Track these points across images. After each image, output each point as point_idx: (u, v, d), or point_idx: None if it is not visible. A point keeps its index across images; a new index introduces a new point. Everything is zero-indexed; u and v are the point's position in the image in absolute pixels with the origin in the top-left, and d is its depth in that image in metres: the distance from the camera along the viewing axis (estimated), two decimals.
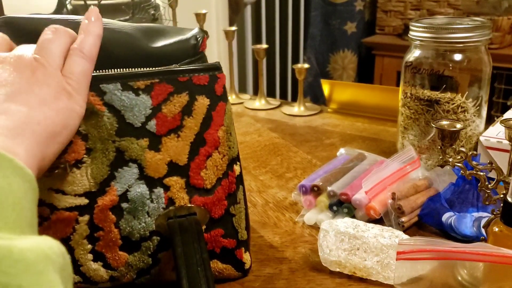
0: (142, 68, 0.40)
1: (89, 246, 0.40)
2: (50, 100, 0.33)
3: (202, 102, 0.40)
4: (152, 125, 0.39)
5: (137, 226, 0.40)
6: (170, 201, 0.40)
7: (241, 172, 0.43)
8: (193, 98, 0.40)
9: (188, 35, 0.42)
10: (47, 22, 0.38)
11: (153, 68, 0.39)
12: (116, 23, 0.42)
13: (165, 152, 0.39)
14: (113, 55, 0.39)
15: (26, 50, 0.35)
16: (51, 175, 0.38)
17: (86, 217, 0.39)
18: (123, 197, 0.39)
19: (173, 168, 0.40)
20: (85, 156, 0.38)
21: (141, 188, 0.39)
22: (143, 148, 0.39)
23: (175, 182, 0.40)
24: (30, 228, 0.27)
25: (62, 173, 0.38)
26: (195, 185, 0.41)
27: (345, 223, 0.46)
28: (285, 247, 0.51)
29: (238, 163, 0.43)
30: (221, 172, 0.41)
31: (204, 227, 0.42)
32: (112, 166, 0.39)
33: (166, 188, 0.40)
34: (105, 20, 0.41)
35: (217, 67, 0.41)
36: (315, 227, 0.54)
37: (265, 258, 0.49)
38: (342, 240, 0.45)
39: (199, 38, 0.42)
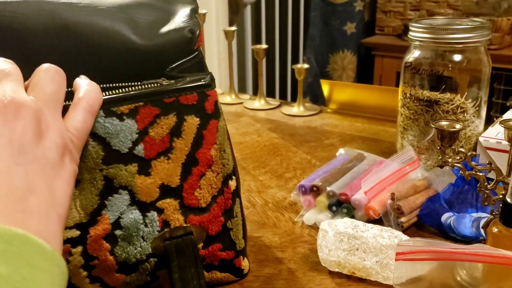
0: (125, 87, 0.36)
1: (85, 273, 0.38)
2: (58, 165, 0.30)
3: (192, 122, 0.38)
4: (140, 149, 0.36)
5: (132, 252, 0.38)
6: (165, 223, 0.38)
7: (237, 186, 0.42)
8: (182, 119, 0.37)
9: (181, 24, 0.38)
10: (18, 9, 0.34)
11: (136, 90, 0.36)
12: (97, 3, 0.37)
13: (156, 176, 0.37)
14: (92, 49, 0.36)
15: (15, 89, 0.29)
16: None
17: (79, 249, 0.37)
18: (116, 224, 0.37)
19: (166, 191, 0.38)
20: None
21: (134, 214, 0.37)
22: (133, 173, 0.37)
23: (169, 204, 0.38)
24: None
25: None
26: (189, 205, 0.39)
27: (344, 223, 0.46)
28: (284, 247, 0.51)
29: (233, 177, 0.41)
30: (216, 190, 0.40)
31: (201, 244, 0.41)
32: (102, 195, 0.36)
33: (160, 211, 0.38)
34: (85, 1, 0.37)
35: (206, 84, 0.38)
36: (315, 227, 0.54)
37: (264, 258, 0.49)
38: (341, 240, 0.45)
39: (195, 31, 0.38)
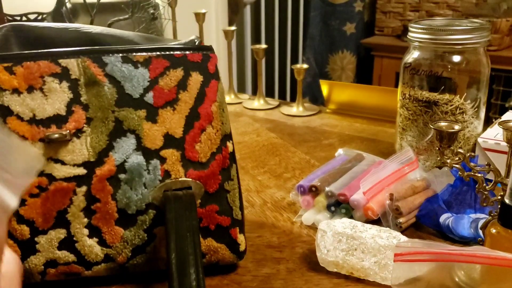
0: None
1: (85, 220, 0.41)
2: None
3: (196, 78, 0.43)
4: (149, 96, 0.41)
5: (133, 198, 0.41)
6: (166, 174, 0.42)
7: (233, 150, 0.45)
8: (188, 74, 0.42)
9: (187, 40, 0.45)
10: (52, 29, 0.42)
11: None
12: (117, 31, 0.46)
13: (162, 124, 0.41)
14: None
15: None
16: (53, 143, 0.39)
17: (83, 188, 0.40)
18: (121, 167, 0.41)
19: (169, 140, 0.42)
20: (85, 125, 0.40)
21: (138, 159, 0.41)
22: (141, 118, 0.41)
23: (171, 154, 0.42)
24: None
25: (63, 142, 0.40)
26: (190, 158, 0.42)
27: (343, 223, 0.46)
28: (282, 247, 0.51)
29: (230, 140, 0.44)
30: (215, 147, 0.43)
31: (199, 201, 0.43)
32: (111, 136, 0.41)
33: (163, 160, 0.41)
34: (107, 29, 0.45)
35: (209, 48, 0.44)
36: (313, 228, 0.54)
37: (263, 258, 0.49)
38: (339, 241, 0.45)
39: (198, 40, 0.45)
